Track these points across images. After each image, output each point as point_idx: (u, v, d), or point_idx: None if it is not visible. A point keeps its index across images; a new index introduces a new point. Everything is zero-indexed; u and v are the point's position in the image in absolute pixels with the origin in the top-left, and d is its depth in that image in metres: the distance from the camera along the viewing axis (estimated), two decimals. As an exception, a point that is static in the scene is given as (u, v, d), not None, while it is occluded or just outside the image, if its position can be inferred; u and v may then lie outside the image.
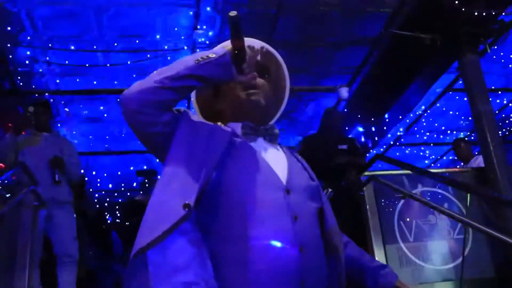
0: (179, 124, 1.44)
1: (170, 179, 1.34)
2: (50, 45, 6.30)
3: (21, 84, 6.99)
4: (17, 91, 7.03)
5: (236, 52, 1.38)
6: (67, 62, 6.60)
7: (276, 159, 1.50)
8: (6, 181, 4.71)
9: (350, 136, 7.14)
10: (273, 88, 1.69)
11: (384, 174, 4.84)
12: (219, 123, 1.57)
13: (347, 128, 8.08)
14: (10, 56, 6.45)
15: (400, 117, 8.13)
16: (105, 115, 7.81)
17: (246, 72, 1.44)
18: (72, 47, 6.38)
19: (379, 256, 4.50)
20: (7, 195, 4.74)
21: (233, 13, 1.30)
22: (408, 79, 6.91)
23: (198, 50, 6.47)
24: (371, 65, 7.12)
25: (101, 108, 7.67)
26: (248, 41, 1.60)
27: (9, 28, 6.02)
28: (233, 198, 1.36)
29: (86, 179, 7.45)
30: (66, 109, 7.65)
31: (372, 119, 8.08)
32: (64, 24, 6.04)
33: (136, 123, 1.40)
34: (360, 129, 8.32)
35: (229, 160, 1.41)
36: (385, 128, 8.38)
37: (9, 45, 6.23)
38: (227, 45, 1.42)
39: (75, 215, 4.80)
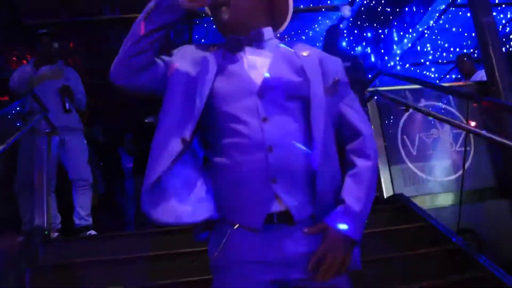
0: (170, 67, 1.55)
1: (167, 116, 1.50)
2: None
3: (23, 14, 6.89)
4: (20, 23, 6.95)
5: None
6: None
7: (257, 64, 1.55)
8: (13, 111, 4.79)
9: (353, 53, 7.12)
10: None
11: (387, 90, 4.90)
12: (210, 50, 1.60)
13: (349, 47, 8.06)
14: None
15: (403, 34, 8.08)
16: (107, 45, 7.76)
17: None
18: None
19: (384, 173, 4.64)
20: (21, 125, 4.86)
21: None
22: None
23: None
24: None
25: (103, 38, 7.60)
26: None
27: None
28: (216, 112, 1.48)
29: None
30: (69, 40, 7.58)
31: (375, 37, 8.03)
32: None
33: (130, 90, 1.53)
34: (360, 48, 8.29)
35: (217, 81, 1.50)
36: (388, 46, 8.35)
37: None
38: None
39: (85, 142, 4.93)
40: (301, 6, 7.14)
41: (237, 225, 1.44)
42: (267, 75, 1.50)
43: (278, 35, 1.74)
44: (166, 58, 1.58)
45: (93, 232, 4.56)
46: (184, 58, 1.57)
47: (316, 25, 7.82)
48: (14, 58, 7.74)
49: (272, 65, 1.53)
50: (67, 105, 4.63)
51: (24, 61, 7.75)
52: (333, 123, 1.55)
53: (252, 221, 1.42)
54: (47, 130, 4.40)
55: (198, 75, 1.50)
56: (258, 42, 1.60)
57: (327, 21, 7.87)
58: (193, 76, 1.51)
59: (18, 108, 4.69)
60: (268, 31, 1.63)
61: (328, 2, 7.51)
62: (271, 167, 1.40)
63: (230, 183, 1.44)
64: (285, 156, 1.42)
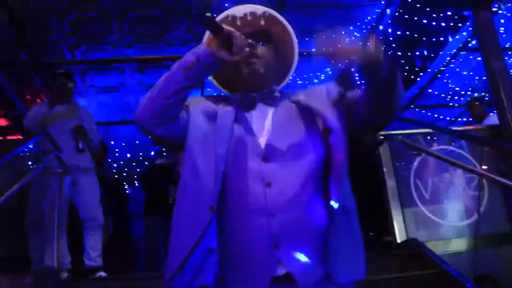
0: (189, 123, 1.58)
1: (190, 180, 1.51)
2: (66, 15, 6.32)
3: (38, 55, 7.04)
4: (34, 62, 7.10)
5: (222, 41, 1.46)
6: (83, 32, 6.62)
7: (264, 126, 1.58)
8: (25, 150, 4.82)
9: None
10: (278, 53, 1.73)
11: (399, 134, 4.89)
12: (220, 105, 1.64)
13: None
14: (27, 27, 6.48)
15: (414, 78, 8.12)
16: (121, 84, 7.87)
17: (238, 52, 1.50)
18: (88, 16, 6.41)
19: (397, 216, 4.60)
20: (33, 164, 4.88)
21: (206, 16, 1.40)
22: (422, 38, 6.87)
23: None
24: (385, 25, 7.09)
25: (117, 78, 7.72)
26: (250, 7, 1.71)
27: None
28: (227, 170, 1.48)
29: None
30: (83, 80, 7.70)
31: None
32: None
33: (152, 137, 1.57)
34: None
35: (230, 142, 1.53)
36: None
37: (27, 16, 6.25)
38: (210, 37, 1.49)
39: (97, 181, 4.92)
40: (313, 50, 7.20)
41: None
42: (271, 139, 1.53)
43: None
44: (185, 108, 1.61)
45: (103, 273, 4.50)
46: (198, 112, 1.61)
47: (328, 69, 7.86)
48: (27, 97, 7.86)
49: (277, 127, 1.56)
50: (80, 144, 4.65)
51: (38, 100, 7.88)
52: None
53: (256, 286, 1.41)
54: (59, 170, 4.40)
55: (215, 133, 1.53)
56: (270, 100, 1.64)
57: (339, 64, 7.90)
58: (210, 133, 1.54)
59: (30, 146, 4.72)
60: (277, 88, 1.69)
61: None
62: (274, 233, 1.41)
63: (234, 247, 1.45)
64: (287, 222, 1.43)
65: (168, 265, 1.43)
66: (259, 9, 1.72)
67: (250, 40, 1.57)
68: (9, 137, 8.71)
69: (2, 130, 8.62)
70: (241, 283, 1.43)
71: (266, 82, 1.65)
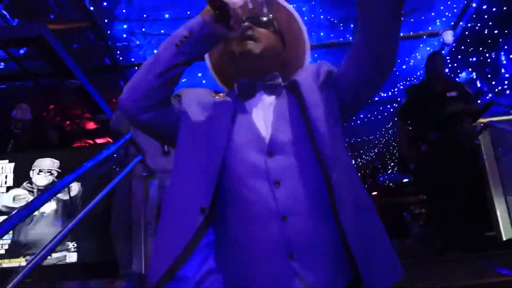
0: (180, 113, 1.39)
1: (183, 180, 1.30)
2: (145, 15, 6.36)
3: (120, 58, 7.17)
4: (118, 66, 7.23)
5: (217, 12, 1.27)
6: (162, 31, 6.65)
7: (267, 117, 1.37)
8: (115, 155, 4.83)
9: (458, 81, 6.72)
10: (285, 42, 1.57)
11: (501, 120, 4.51)
12: (219, 95, 1.47)
13: (453, 74, 7.69)
14: (108, 32, 6.60)
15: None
16: (204, 81, 7.86)
17: (236, 27, 1.31)
18: (167, 15, 6.42)
19: (500, 207, 4.28)
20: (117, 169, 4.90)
21: None
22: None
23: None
24: (478, 2, 6.64)
25: (199, 75, 7.70)
26: None
27: (105, 4, 6.15)
28: (222, 173, 1.26)
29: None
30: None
31: (481, 62, 7.58)
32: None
33: (139, 125, 1.38)
34: (464, 74, 7.88)
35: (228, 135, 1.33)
36: (495, 70, 7.86)
37: (106, 20, 6.36)
38: (207, 9, 1.31)
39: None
40: (401, 34, 6.90)
41: None
42: (276, 131, 1.32)
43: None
44: (177, 98, 1.45)
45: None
46: (192, 102, 1.42)
47: (417, 53, 7.53)
48: (113, 100, 8.05)
49: (280, 118, 1.36)
50: (165, 147, 4.60)
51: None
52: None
53: None
54: (144, 174, 4.37)
55: (211, 126, 1.34)
56: (271, 88, 1.44)
57: (428, 48, 7.56)
58: (205, 126, 1.34)
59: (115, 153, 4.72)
60: (279, 75, 1.48)
61: (429, 28, 7.21)
62: (287, 241, 1.18)
63: (239, 262, 1.22)
64: (303, 225, 1.21)
65: (149, 275, 1.21)
66: None
67: (247, 22, 1.41)
68: (97, 140, 9.01)
69: (91, 133, 8.92)
70: None
71: (264, 68, 1.45)
